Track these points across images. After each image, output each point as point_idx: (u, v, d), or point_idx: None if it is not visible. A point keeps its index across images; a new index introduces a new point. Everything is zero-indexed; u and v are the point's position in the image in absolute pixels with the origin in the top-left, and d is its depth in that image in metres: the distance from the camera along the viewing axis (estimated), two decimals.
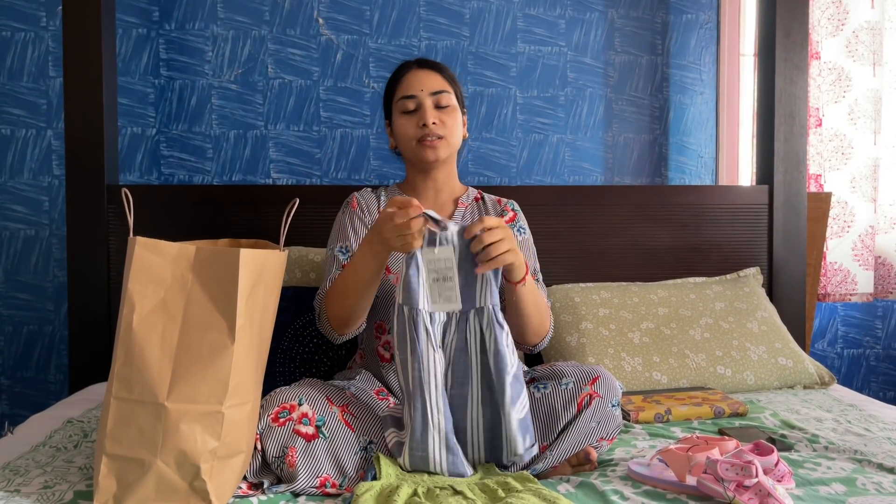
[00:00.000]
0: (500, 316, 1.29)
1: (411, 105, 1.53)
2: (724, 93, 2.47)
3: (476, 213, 1.64)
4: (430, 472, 1.24)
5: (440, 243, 1.28)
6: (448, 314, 1.29)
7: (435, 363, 1.25)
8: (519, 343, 1.48)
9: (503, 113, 2.41)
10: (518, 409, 1.25)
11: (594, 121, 2.45)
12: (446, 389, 1.27)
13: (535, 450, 1.28)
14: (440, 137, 1.51)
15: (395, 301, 1.29)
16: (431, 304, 1.27)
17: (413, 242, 1.25)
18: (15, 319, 2.33)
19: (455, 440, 1.24)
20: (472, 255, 1.28)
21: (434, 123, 1.50)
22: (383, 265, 1.35)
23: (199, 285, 1.15)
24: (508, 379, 1.25)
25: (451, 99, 1.53)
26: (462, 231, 1.29)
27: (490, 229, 1.26)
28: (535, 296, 1.44)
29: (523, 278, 1.37)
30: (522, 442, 1.25)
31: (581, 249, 2.20)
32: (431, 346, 1.25)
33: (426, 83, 1.53)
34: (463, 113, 1.59)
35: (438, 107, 1.52)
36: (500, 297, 1.33)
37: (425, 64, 1.58)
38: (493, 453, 1.28)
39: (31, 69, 2.29)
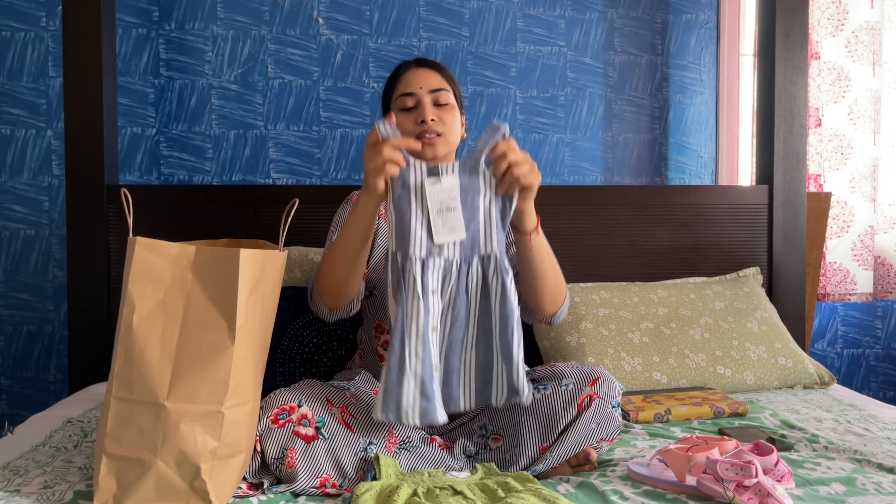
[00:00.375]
0: (506, 262, 1.27)
1: (410, 102, 1.53)
2: (723, 93, 2.47)
3: None
4: (403, 425, 1.26)
5: (445, 173, 1.26)
6: (449, 260, 1.26)
7: (419, 310, 1.23)
8: (535, 312, 1.47)
9: (503, 113, 2.41)
10: (520, 353, 1.26)
11: (594, 121, 2.45)
12: (444, 334, 1.26)
13: (530, 397, 1.28)
14: (438, 134, 1.51)
15: (387, 251, 1.27)
16: (436, 235, 1.25)
17: (387, 157, 1.22)
18: (15, 319, 2.32)
19: (432, 388, 1.23)
20: (474, 195, 1.26)
21: (433, 120, 1.50)
22: (372, 221, 1.33)
23: (199, 285, 1.15)
24: (513, 323, 1.25)
25: (449, 97, 1.54)
26: (465, 166, 1.27)
27: (519, 162, 1.25)
28: (548, 250, 1.41)
29: (537, 226, 1.35)
30: (526, 385, 1.26)
31: (581, 249, 2.20)
32: (417, 294, 1.23)
33: (425, 81, 1.53)
34: (461, 113, 1.59)
35: (437, 104, 1.52)
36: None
37: (424, 63, 1.58)
38: (481, 396, 1.28)
39: (30, 69, 2.29)
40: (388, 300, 1.28)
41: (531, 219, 1.34)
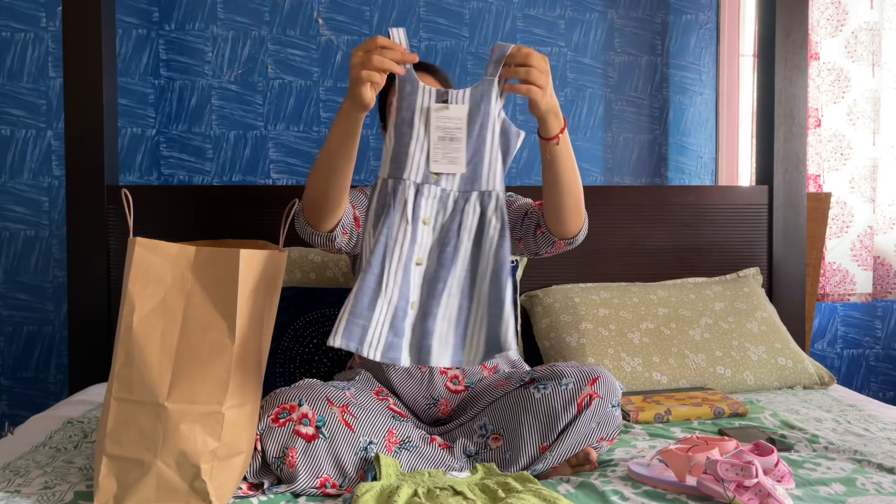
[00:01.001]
0: (505, 209, 1.22)
1: None
2: (723, 93, 2.47)
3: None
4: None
5: (454, 102, 1.20)
6: (446, 191, 1.20)
7: (405, 236, 1.17)
8: (559, 232, 1.42)
9: None
10: (511, 303, 1.19)
11: (594, 121, 2.45)
12: (429, 272, 1.18)
13: (515, 354, 1.20)
14: None
15: (378, 179, 1.21)
16: (433, 163, 1.19)
17: (377, 64, 1.14)
18: (15, 320, 2.33)
19: (403, 325, 1.15)
20: (483, 125, 1.20)
21: None
22: (355, 132, 1.26)
23: (199, 286, 1.15)
24: (508, 268, 1.19)
25: None
26: (475, 96, 1.21)
27: (531, 53, 1.19)
28: (573, 160, 1.33)
29: (562, 130, 1.28)
30: (513, 338, 1.17)
31: (581, 250, 2.17)
32: (405, 219, 1.17)
33: (422, 81, 1.53)
34: None
35: None
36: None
37: (422, 66, 1.58)
38: (454, 352, 1.18)
39: (31, 70, 2.29)
40: (367, 237, 1.19)
41: (557, 117, 1.27)
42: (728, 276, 2.20)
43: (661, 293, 2.06)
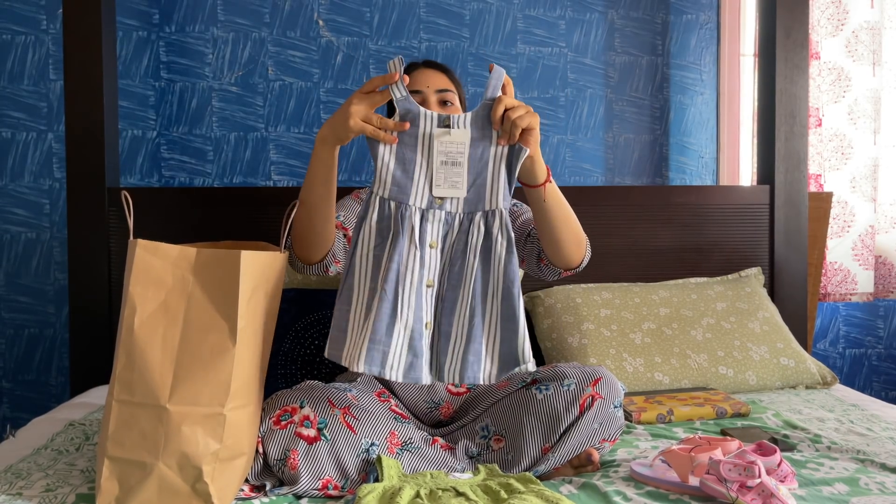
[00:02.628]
0: (510, 224, 1.24)
1: (416, 100, 1.53)
2: (724, 93, 2.47)
3: None
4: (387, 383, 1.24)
5: (456, 126, 1.23)
6: (451, 213, 1.23)
7: (416, 260, 1.19)
8: (562, 265, 1.44)
9: None
10: (523, 317, 1.21)
11: (594, 121, 2.45)
12: (441, 294, 1.21)
13: (533, 367, 1.22)
14: None
15: (371, 197, 1.23)
16: (435, 188, 1.21)
17: (376, 123, 1.20)
18: (16, 322, 2.32)
19: (421, 345, 1.18)
20: (485, 148, 1.22)
21: None
22: (333, 165, 1.30)
23: (200, 287, 1.15)
24: (518, 283, 1.21)
25: (454, 98, 1.54)
26: (476, 119, 1.23)
27: (514, 107, 1.22)
28: (562, 199, 1.38)
29: (548, 177, 1.31)
30: (529, 351, 1.20)
31: None
32: (414, 244, 1.20)
33: (432, 81, 1.53)
34: None
35: (442, 104, 1.53)
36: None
37: (431, 64, 1.59)
38: (471, 371, 1.21)
39: (31, 72, 2.29)
40: (364, 254, 1.22)
41: (541, 169, 1.31)
42: (730, 276, 2.20)
43: (663, 293, 2.06)
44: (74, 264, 2.03)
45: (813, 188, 2.45)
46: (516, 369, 1.22)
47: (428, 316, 1.21)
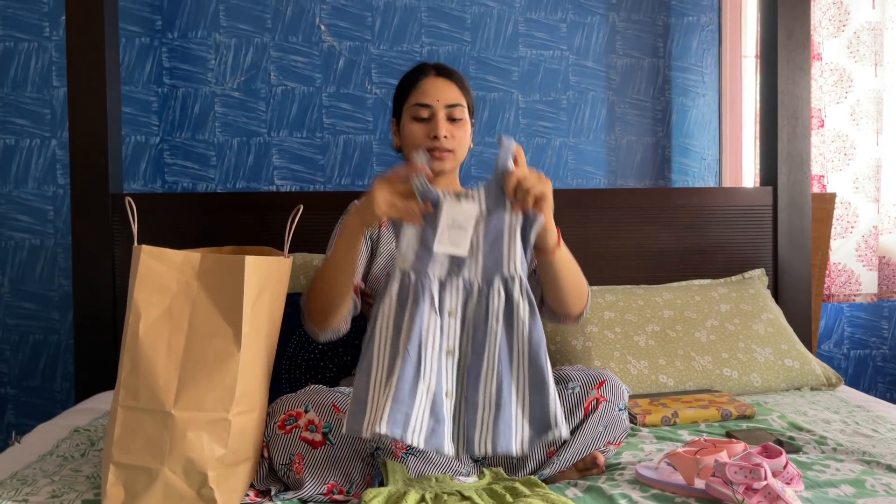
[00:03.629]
0: (531, 290, 1.23)
1: (425, 113, 1.52)
2: (726, 94, 2.47)
3: None
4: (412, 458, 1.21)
5: (467, 199, 1.23)
6: (469, 281, 1.22)
7: (437, 327, 1.19)
8: (562, 317, 1.45)
9: (505, 117, 2.41)
10: (552, 382, 1.19)
11: (597, 124, 2.45)
12: (463, 364, 1.21)
13: (567, 433, 1.19)
14: (449, 151, 1.51)
15: (393, 270, 1.23)
16: (437, 244, 1.21)
17: (403, 208, 1.21)
18: (20, 329, 2.33)
19: (443, 412, 1.17)
20: (499, 218, 1.23)
21: (445, 137, 1.50)
22: (358, 245, 1.33)
23: (205, 293, 1.15)
24: (543, 353, 1.19)
25: (464, 112, 1.53)
26: (490, 190, 1.23)
27: (526, 177, 1.22)
28: (572, 261, 1.39)
29: (559, 240, 1.32)
30: (561, 415, 1.18)
31: (585, 253, 2.17)
32: (434, 312, 1.19)
33: (442, 94, 1.52)
34: (472, 124, 1.59)
35: (451, 119, 1.52)
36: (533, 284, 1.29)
37: (443, 72, 1.56)
38: (503, 439, 1.16)
39: (34, 79, 2.30)
40: (385, 324, 1.21)
41: (552, 234, 1.31)
42: (733, 278, 2.20)
43: (667, 295, 2.06)
44: (78, 270, 2.03)
45: (816, 189, 2.45)
46: (549, 435, 1.19)
47: (448, 384, 1.19)
